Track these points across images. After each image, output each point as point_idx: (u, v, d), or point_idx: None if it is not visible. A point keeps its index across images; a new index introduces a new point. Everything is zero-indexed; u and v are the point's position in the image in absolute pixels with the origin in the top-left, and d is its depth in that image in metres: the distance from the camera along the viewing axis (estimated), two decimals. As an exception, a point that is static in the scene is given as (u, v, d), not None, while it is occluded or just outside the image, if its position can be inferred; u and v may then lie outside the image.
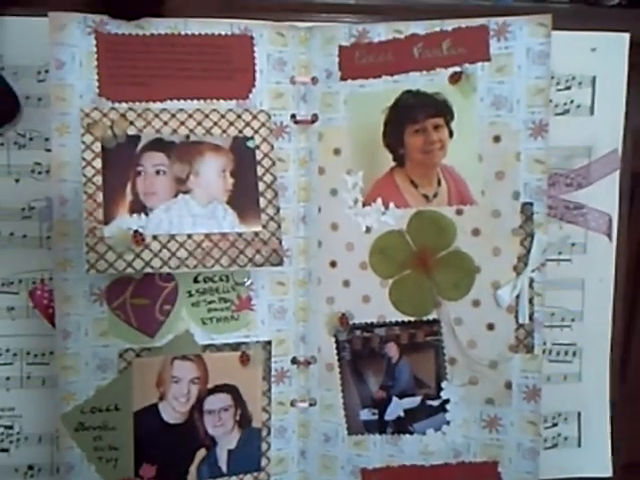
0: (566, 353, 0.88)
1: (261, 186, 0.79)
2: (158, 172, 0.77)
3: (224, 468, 0.82)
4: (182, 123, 0.78)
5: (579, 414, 0.88)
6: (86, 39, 0.76)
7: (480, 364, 0.81)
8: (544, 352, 0.85)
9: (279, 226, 0.78)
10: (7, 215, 0.80)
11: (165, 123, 0.78)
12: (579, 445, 0.89)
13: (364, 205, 0.82)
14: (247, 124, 0.80)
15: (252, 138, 0.80)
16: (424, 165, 0.81)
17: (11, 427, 0.81)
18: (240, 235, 0.77)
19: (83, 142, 0.76)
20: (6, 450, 0.81)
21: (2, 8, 0.77)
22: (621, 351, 0.89)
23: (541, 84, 0.78)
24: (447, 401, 0.82)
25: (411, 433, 0.83)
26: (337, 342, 0.83)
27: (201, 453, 0.81)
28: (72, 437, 0.77)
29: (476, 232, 0.80)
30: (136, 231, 0.75)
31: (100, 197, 0.75)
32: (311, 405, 0.84)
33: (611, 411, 0.88)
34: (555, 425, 0.88)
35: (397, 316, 0.82)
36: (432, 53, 0.80)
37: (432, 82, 0.80)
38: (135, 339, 0.79)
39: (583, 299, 0.87)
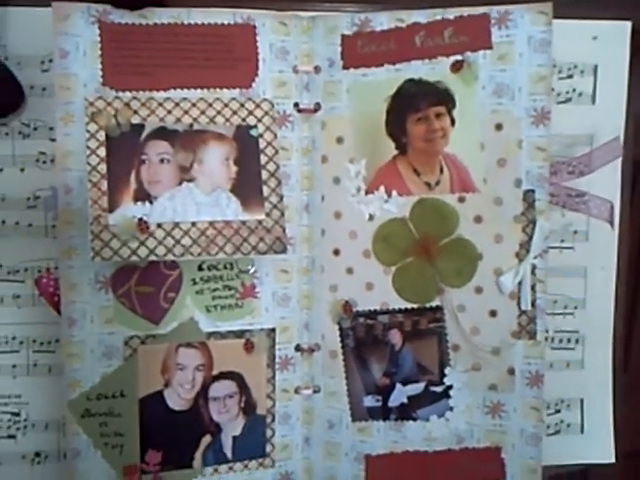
0: (569, 340, 0.88)
1: (264, 174, 0.79)
2: (162, 160, 0.77)
3: (229, 454, 0.82)
4: (186, 112, 0.78)
5: (582, 401, 0.89)
6: (90, 28, 0.77)
7: (483, 350, 0.81)
8: (547, 339, 0.85)
9: (282, 214, 0.79)
10: (12, 204, 0.81)
11: (169, 112, 0.78)
12: (582, 432, 0.89)
13: (367, 193, 0.82)
14: (250, 113, 0.80)
15: (255, 127, 0.80)
16: (426, 153, 0.81)
17: (18, 414, 0.82)
18: (244, 223, 0.78)
19: (87, 131, 0.76)
20: (13, 437, 0.82)
21: (6, -2, 0.78)
22: (623, 338, 0.89)
23: (543, 72, 0.78)
24: (450, 387, 0.82)
25: (414, 419, 0.83)
26: (341, 329, 0.83)
27: (206, 439, 0.81)
28: (78, 424, 0.77)
29: (478, 219, 0.81)
30: (140, 219, 0.75)
31: (105, 185, 0.75)
32: (315, 392, 0.85)
33: (613, 399, 0.89)
34: (558, 412, 0.89)
35: (400, 303, 0.83)
36: (434, 42, 0.80)
37: (434, 70, 0.80)
38: (140, 326, 0.79)
39: (585, 287, 0.88)
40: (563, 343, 0.88)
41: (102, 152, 0.76)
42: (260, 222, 0.78)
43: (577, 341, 0.88)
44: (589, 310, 0.88)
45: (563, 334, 0.88)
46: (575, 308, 0.88)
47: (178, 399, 0.81)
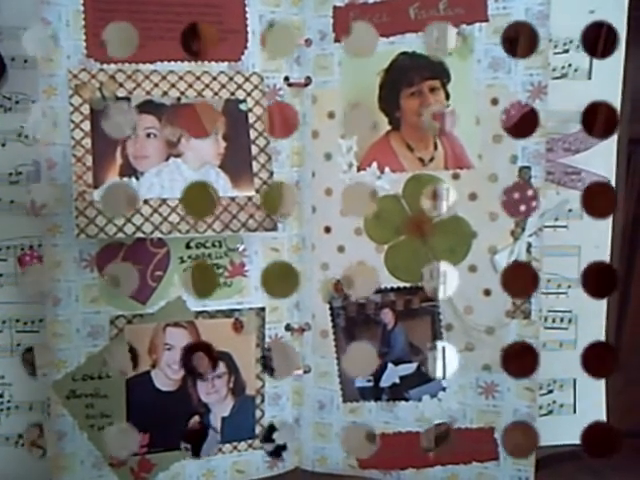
0: (562, 320, 0.87)
1: (254, 150, 0.77)
2: (149, 135, 0.75)
3: (218, 436, 0.81)
4: (173, 85, 0.76)
5: (574, 381, 0.88)
6: (73, -3, 0.74)
7: (477, 330, 0.80)
8: (540, 319, 0.84)
9: (273, 190, 0.77)
10: (-6, 180, 0.79)
11: (155, 85, 0.76)
12: (574, 412, 0.89)
13: (359, 169, 0.80)
14: (239, 87, 0.78)
15: (244, 101, 0.78)
16: (420, 128, 0.79)
17: (1, 395, 0.80)
18: (233, 199, 0.76)
19: (71, 104, 0.74)
20: (-4, 419, 0.81)
21: (-14, -34, 0.75)
22: (616, 317, 0.89)
23: (540, 45, 0.76)
24: (443, 367, 0.81)
25: (407, 400, 0.82)
26: (332, 309, 0.82)
27: (195, 420, 0.80)
28: (63, 405, 0.76)
29: (473, 196, 0.79)
30: (127, 195, 0.73)
31: (89, 160, 0.73)
32: (305, 372, 0.84)
33: (606, 379, 0.88)
34: (550, 392, 0.88)
35: (392, 282, 0.81)
36: (428, 14, 0.78)
37: (428, 43, 0.78)
38: (126, 306, 0.77)
39: (579, 266, 0.87)
40: (556, 323, 0.87)
41: (86, 126, 0.74)
42: (250, 198, 0.76)
43: (570, 321, 0.87)
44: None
45: (556, 314, 0.87)
46: (569, 287, 0.87)
47: (166, 379, 0.79)
